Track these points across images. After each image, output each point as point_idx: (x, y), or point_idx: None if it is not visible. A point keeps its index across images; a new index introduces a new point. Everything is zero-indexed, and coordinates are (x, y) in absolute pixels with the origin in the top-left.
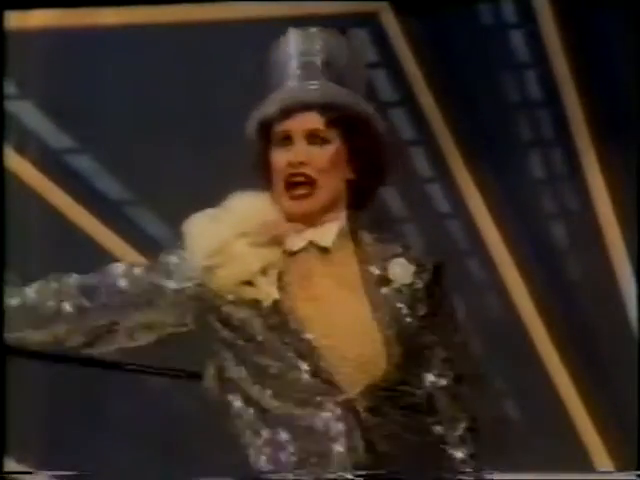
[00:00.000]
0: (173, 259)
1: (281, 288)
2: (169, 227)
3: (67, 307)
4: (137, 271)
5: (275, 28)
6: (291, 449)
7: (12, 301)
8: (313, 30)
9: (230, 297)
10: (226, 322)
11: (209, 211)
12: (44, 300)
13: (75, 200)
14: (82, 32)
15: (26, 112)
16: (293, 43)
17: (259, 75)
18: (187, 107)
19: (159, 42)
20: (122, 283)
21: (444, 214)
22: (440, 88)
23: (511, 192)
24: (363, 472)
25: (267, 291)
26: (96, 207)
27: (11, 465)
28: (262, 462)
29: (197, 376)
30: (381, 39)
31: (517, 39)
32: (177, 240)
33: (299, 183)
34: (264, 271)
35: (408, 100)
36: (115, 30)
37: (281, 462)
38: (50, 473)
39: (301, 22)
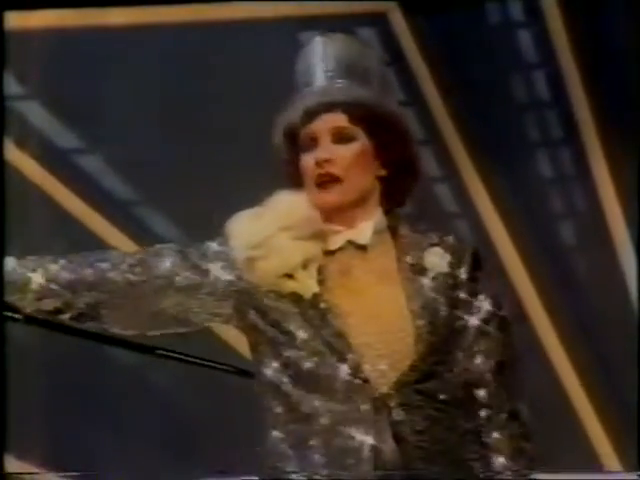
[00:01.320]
0: (216, 248)
1: (320, 283)
2: (176, 227)
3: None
4: (180, 255)
5: (285, 27)
6: (320, 446)
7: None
8: (337, 35)
9: (270, 290)
10: (264, 315)
11: (252, 209)
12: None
13: (82, 200)
14: (90, 32)
15: (33, 112)
16: (317, 49)
17: (271, 75)
18: (195, 107)
19: (167, 42)
20: (165, 264)
21: (452, 213)
22: (448, 87)
23: (519, 191)
24: (394, 470)
25: (307, 284)
26: (103, 207)
27: (12, 462)
28: (289, 460)
29: (247, 373)
30: (389, 39)
31: (525, 39)
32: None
33: (327, 182)
34: (305, 265)
35: (416, 100)
36: (123, 30)
37: (309, 460)
38: (56, 474)
39: (311, 22)
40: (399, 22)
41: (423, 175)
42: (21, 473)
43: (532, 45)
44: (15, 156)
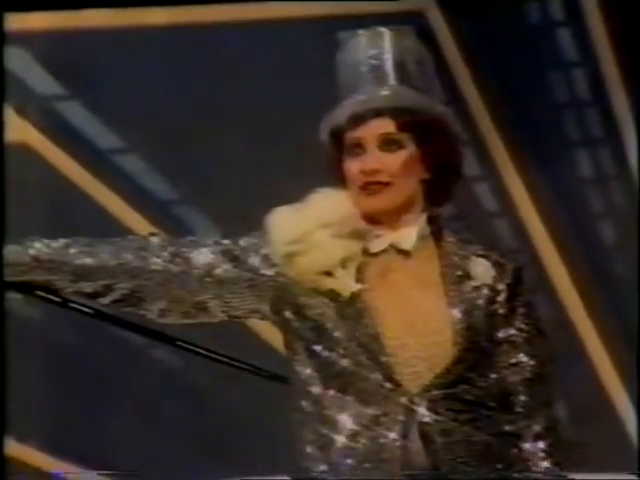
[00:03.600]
0: (256, 243)
1: (359, 282)
2: (216, 226)
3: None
4: (220, 247)
5: (322, 27)
6: (349, 447)
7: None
8: (382, 30)
9: (308, 286)
10: (301, 313)
11: (293, 205)
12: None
13: (123, 199)
14: (131, 32)
15: (75, 113)
16: (362, 46)
17: (308, 75)
18: (235, 105)
19: (208, 41)
20: (205, 256)
21: (492, 213)
22: (487, 86)
23: (559, 190)
24: (422, 471)
25: (346, 283)
26: (143, 206)
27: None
28: (318, 460)
29: (278, 378)
30: (427, 37)
31: (564, 37)
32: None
33: (374, 188)
34: (344, 263)
35: (455, 99)
36: (164, 30)
37: (338, 460)
38: (98, 473)
39: (348, 21)
40: (437, 21)
41: (464, 175)
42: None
43: (572, 44)
44: (56, 156)
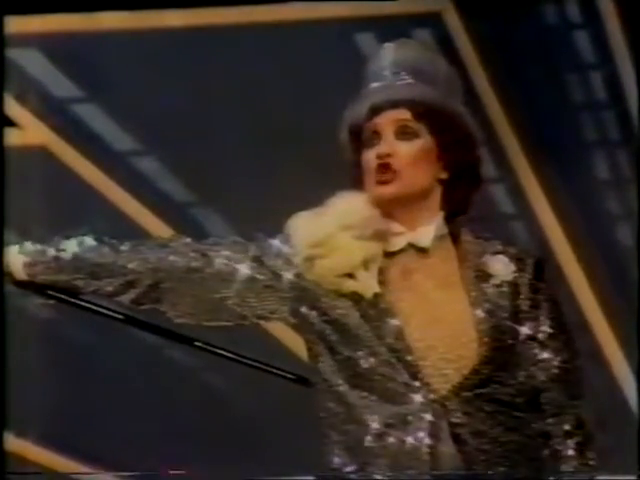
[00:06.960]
0: (277, 245)
1: (381, 284)
2: (233, 229)
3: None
4: (241, 247)
5: (339, 28)
6: (377, 447)
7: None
8: (407, 41)
9: (330, 289)
10: (322, 314)
11: (314, 209)
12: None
13: (139, 201)
14: (147, 35)
15: (92, 115)
16: (387, 54)
17: (327, 76)
18: (252, 108)
19: (224, 44)
20: (226, 254)
21: (508, 215)
22: (504, 88)
23: (576, 193)
24: (451, 471)
25: (368, 284)
26: (160, 208)
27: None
28: (346, 460)
29: (304, 380)
30: (444, 39)
31: (582, 39)
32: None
33: (386, 175)
34: (365, 265)
35: (471, 100)
36: (181, 32)
37: (366, 461)
38: (114, 474)
39: (365, 22)
40: (454, 22)
41: (484, 181)
42: (84, 474)
43: (589, 46)
44: (72, 158)
